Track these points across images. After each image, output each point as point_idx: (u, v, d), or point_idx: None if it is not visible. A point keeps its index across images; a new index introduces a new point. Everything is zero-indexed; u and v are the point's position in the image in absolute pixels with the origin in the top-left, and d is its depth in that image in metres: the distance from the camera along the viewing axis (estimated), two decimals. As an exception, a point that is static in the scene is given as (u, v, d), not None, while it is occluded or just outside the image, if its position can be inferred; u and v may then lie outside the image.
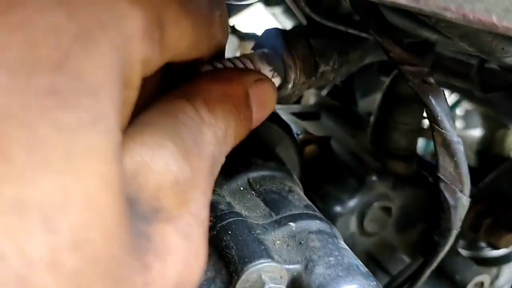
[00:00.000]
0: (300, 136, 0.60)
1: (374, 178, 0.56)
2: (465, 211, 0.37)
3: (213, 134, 0.25)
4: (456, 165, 0.35)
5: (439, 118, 0.34)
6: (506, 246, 0.60)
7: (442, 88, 0.34)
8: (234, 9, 0.94)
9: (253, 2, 0.56)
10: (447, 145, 0.34)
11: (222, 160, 0.26)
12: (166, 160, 0.21)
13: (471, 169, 0.93)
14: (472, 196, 0.64)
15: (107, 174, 0.17)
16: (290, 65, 0.38)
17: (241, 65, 0.34)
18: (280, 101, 0.41)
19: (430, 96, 0.34)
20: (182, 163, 0.22)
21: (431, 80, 0.34)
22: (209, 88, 0.26)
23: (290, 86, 0.39)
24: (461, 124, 1.33)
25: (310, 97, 0.80)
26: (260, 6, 0.92)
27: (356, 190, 0.56)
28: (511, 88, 0.58)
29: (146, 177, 0.20)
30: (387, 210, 0.57)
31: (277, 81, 0.38)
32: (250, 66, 0.35)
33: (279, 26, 1.02)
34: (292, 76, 0.38)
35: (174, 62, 0.24)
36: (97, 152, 0.16)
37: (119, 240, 0.17)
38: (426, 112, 0.35)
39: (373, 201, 0.56)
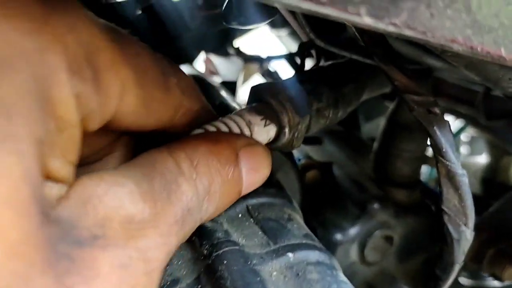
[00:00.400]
0: (302, 162, 0.59)
1: (375, 206, 0.55)
2: (468, 244, 0.36)
3: (191, 187, 0.25)
4: (461, 198, 0.34)
5: (444, 150, 0.33)
6: (510, 279, 0.58)
7: (447, 118, 0.33)
8: (239, 31, 0.94)
9: (258, 26, 0.56)
10: (451, 177, 0.33)
11: (203, 216, 0.27)
12: (120, 196, 0.22)
13: (475, 197, 0.91)
14: (475, 225, 0.63)
15: (10, 192, 0.17)
16: (280, 110, 0.38)
17: (234, 125, 0.34)
18: (284, 148, 0.40)
19: (435, 127, 0.33)
20: (140, 203, 0.23)
21: (436, 110, 0.33)
22: (194, 145, 0.27)
23: (287, 130, 0.38)
24: (466, 150, 1.32)
25: (313, 121, 0.79)
26: (265, 28, 0.92)
27: (358, 217, 0.54)
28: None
29: (96, 207, 0.21)
30: (388, 239, 0.56)
31: (271, 128, 0.37)
32: (243, 124, 0.35)
33: (284, 49, 1.02)
34: (285, 119, 0.37)
35: (132, 128, 0.26)
36: (1, 169, 0.17)
37: (25, 259, 0.18)
38: (431, 143, 0.34)
39: (374, 230, 0.55)
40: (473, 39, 0.23)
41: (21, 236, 0.17)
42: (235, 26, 0.43)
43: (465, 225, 0.35)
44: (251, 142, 0.32)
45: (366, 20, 0.20)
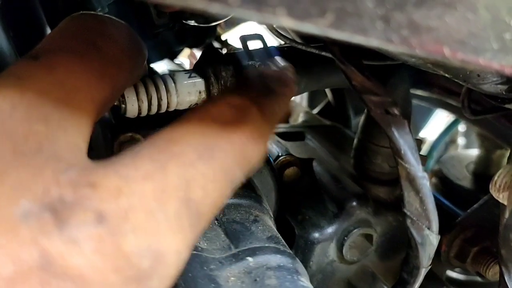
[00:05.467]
0: (281, 158, 0.58)
1: (354, 203, 0.54)
2: (434, 248, 0.35)
3: None
4: (422, 201, 0.33)
5: (402, 152, 0.32)
6: (494, 277, 0.57)
7: (405, 120, 0.32)
8: (228, 24, 0.93)
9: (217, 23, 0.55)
10: (411, 180, 0.32)
11: None
12: None
13: (467, 192, 0.90)
14: (460, 222, 0.61)
15: None
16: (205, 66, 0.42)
17: (158, 78, 0.40)
18: None
19: (393, 128, 0.32)
20: None
21: (395, 111, 0.32)
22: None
23: (212, 79, 0.42)
24: (463, 141, 1.30)
25: (300, 116, 0.78)
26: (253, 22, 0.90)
27: (336, 216, 0.54)
28: (499, 111, 0.55)
29: None
30: (368, 237, 0.55)
31: (197, 80, 0.42)
32: (167, 76, 0.41)
33: (274, 41, 1.01)
34: (209, 70, 0.42)
35: None
36: None
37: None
38: (390, 144, 0.33)
39: (353, 228, 0.53)
40: (411, 40, 0.22)
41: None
42: (192, 23, 0.42)
43: (428, 228, 0.34)
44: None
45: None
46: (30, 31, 0.51)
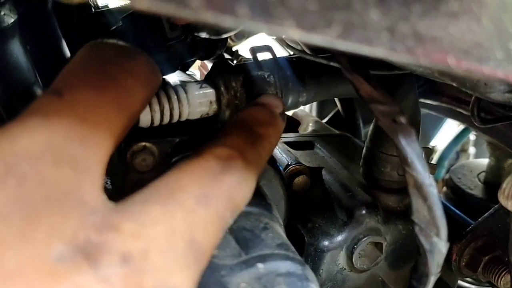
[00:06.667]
0: (291, 167, 0.58)
1: (364, 212, 0.54)
2: (443, 256, 0.35)
3: None
4: (430, 209, 0.33)
5: (410, 160, 0.32)
6: (506, 287, 0.56)
7: (412, 128, 0.32)
8: (239, 36, 0.94)
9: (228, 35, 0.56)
10: (418, 187, 0.33)
11: None
12: None
13: (478, 201, 0.89)
14: (471, 231, 0.61)
15: None
16: (216, 76, 0.43)
17: (171, 89, 0.41)
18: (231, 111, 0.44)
19: (400, 137, 0.32)
20: None
21: (402, 120, 0.32)
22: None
23: (223, 88, 0.43)
24: (473, 150, 1.29)
25: (309, 125, 0.79)
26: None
27: (345, 224, 0.54)
28: (509, 120, 0.55)
29: None
30: (378, 245, 0.55)
31: (208, 90, 0.43)
32: (178, 87, 0.42)
33: (284, 52, 1.02)
34: (220, 81, 0.43)
35: None
36: None
37: None
38: (397, 153, 0.33)
39: (362, 236, 0.54)
40: (415, 49, 0.23)
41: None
42: (204, 36, 0.43)
43: (437, 235, 0.34)
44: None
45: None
46: (47, 45, 0.52)
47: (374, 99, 0.33)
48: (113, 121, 0.26)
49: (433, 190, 0.33)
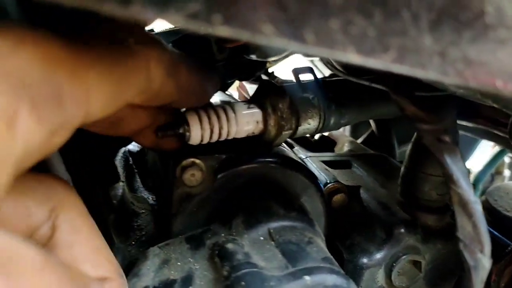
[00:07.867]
0: (329, 185, 0.60)
1: (402, 230, 0.55)
2: (486, 272, 0.36)
3: None
4: (475, 225, 0.34)
5: (455, 177, 0.33)
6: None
7: (456, 147, 0.34)
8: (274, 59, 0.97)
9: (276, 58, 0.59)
10: (464, 204, 0.34)
11: None
12: None
13: (515, 223, 0.88)
14: (510, 252, 0.61)
15: None
16: (263, 97, 0.46)
17: (219, 108, 0.44)
18: (282, 133, 0.47)
19: (445, 155, 0.34)
20: None
21: (447, 138, 0.34)
22: None
23: (270, 109, 0.45)
24: (509, 173, 1.27)
25: (345, 145, 0.80)
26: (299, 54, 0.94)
27: (384, 242, 0.55)
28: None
29: None
30: (416, 264, 0.55)
31: (255, 110, 0.45)
32: (227, 106, 0.45)
33: (318, 73, 1.04)
34: (267, 102, 0.45)
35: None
36: None
37: None
38: (442, 171, 0.35)
39: (401, 254, 0.54)
40: (465, 73, 0.25)
41: None
42: (254, 58, 0.46)
43: (481, 252, 0.35)
44: None
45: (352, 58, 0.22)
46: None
47: (419, 118, 0.34)
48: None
49: (478, 207, 0.34)
